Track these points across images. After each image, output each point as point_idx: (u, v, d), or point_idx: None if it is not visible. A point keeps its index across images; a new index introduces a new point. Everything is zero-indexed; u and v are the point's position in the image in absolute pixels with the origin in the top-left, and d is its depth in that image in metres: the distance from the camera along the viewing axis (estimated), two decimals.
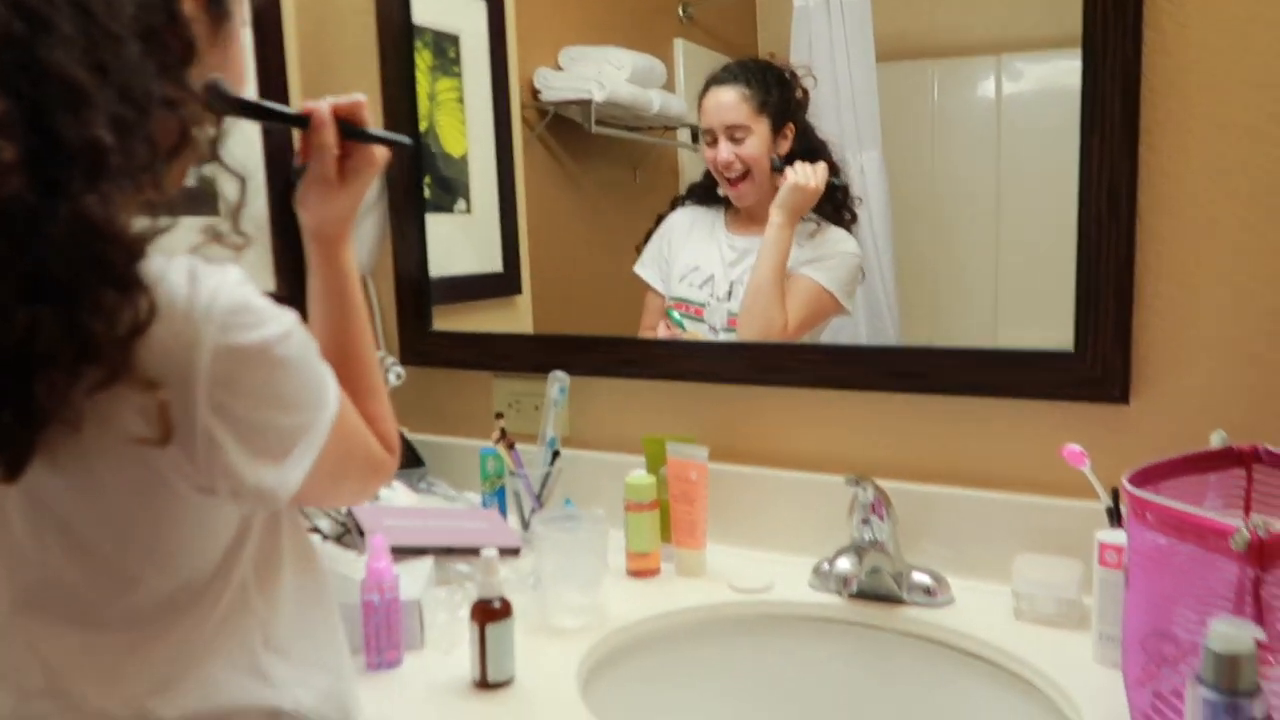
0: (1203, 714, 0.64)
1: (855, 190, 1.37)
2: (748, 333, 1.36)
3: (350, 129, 0.85)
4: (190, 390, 0.63)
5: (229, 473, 0.66)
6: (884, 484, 1.15)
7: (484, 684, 0.97)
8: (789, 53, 1.41)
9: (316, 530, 1.20)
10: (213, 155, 0.69)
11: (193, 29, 0.68)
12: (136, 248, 0.62)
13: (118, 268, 0.60)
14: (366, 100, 0.86)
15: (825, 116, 1.39)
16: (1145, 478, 0.85)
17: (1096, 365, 1.09)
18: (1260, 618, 0.68)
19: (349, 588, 1.04)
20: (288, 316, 0.69)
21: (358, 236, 1.52)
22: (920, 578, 1.12)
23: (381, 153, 0.88)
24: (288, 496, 0.70)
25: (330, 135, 0.84)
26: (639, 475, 1.24)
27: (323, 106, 0.84)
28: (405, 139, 0.94)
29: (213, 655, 0.72)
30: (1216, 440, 0.93)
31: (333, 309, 0.86)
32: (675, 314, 1.47)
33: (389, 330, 1.58)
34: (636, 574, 1.23)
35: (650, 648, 1.12)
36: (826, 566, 1.15)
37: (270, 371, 0.67)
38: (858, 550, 1.10)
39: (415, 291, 1.54)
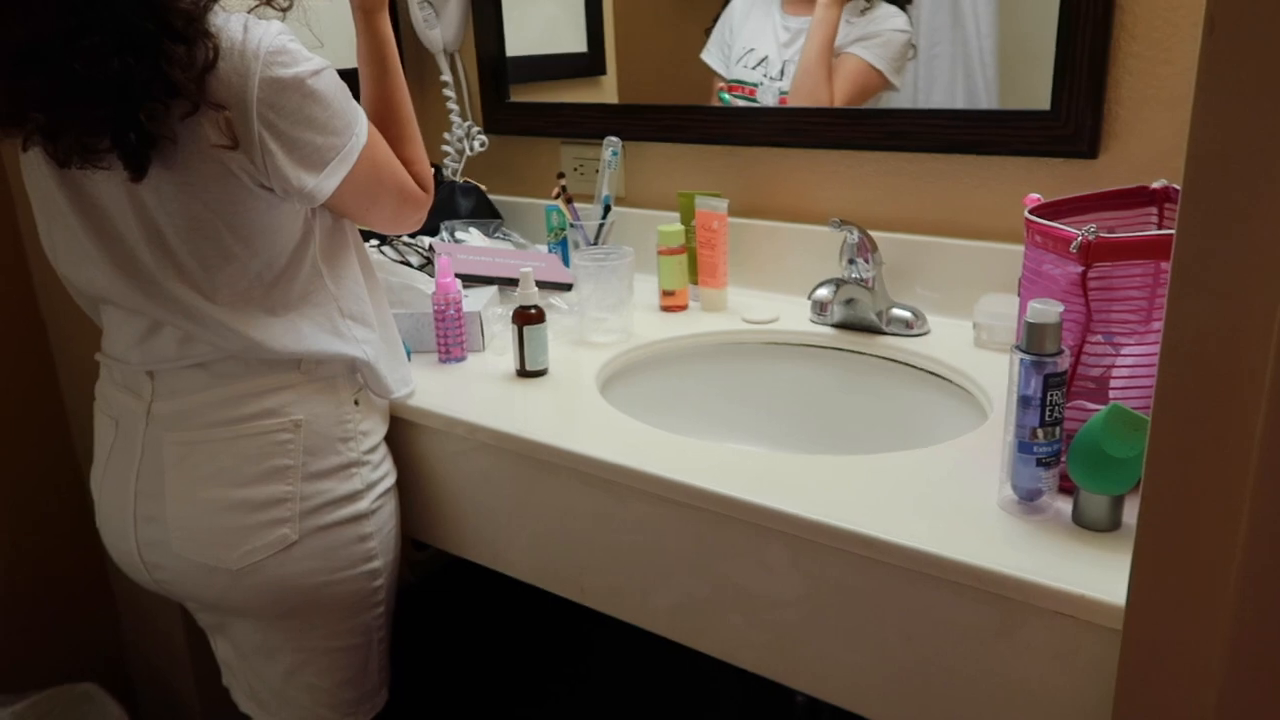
0: (1020, 372, 0.83)
1: None
2: None
3: None
4: (247, 110, 0.88)
5: (279, 174, 0.92)
6: (882, 234, 1.32)
7: (523, 372, 1.24)
8: None
9: (407, 263, 1.48)
10: None
11: None
12: (193, 11, 0.86)
13: (179, 28, 0.84)
14: None
15: None
16: (1056, 210, 0.99)
17: (1070, 123, 1.19)
18: (1087, 303, 0.84)
19: (425, 300, 1.32)
20: (320, 60, 0.93)
21: (444, 18, 1.72)
22: (900, 313, 1.30)
23: None
24: (324, 197, 0.96)
25: None
26: (670, 225, 1.44)
27: None
28: None
29: (301, 317, 1.01)
30: (1157, 186, 1.05)
31: (374, 69, 1.08)
32: (725, 95, 1.61)
33: (474, 103, 1.79)
34: (667, 309, 1.46)
35: (666, 361, 1.36)
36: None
37: (304, 99, 0.91)
38: (837, 282, 1.29)
39: (493, 67, 1.73)
